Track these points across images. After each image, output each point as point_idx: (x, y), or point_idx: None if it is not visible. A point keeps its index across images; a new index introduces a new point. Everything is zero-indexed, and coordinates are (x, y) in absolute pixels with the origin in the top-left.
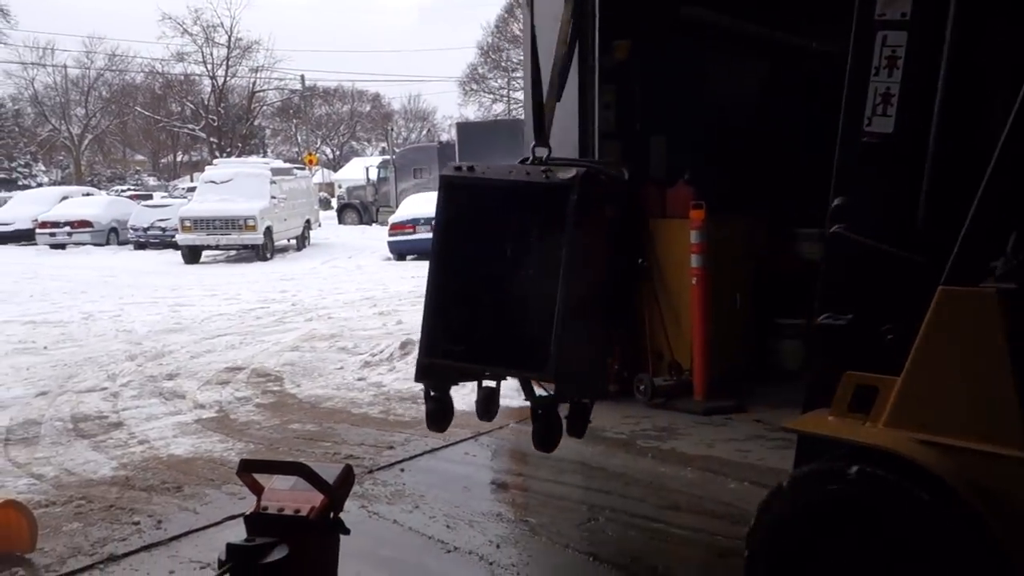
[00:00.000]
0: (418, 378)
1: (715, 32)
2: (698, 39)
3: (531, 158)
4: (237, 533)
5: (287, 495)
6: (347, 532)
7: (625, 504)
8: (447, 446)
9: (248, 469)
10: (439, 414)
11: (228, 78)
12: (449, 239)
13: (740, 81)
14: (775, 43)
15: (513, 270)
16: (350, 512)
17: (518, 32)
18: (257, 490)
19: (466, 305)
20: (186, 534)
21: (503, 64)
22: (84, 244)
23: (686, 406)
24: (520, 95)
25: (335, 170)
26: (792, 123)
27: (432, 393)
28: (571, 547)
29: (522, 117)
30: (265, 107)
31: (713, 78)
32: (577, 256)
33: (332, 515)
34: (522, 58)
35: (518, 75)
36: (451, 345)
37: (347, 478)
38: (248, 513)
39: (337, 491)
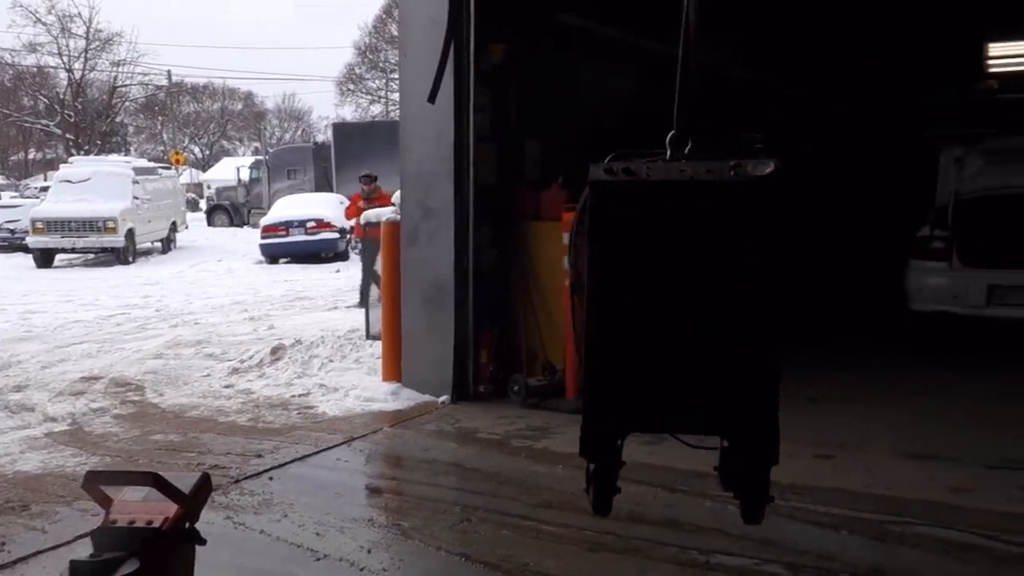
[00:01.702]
0: (584, 453)
1: (588, 38)
2: (572, 44)
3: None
4: (89, 551)
5: (138, 507)
6: (203, 542)
7: (498, 504)
8: (318, 452)
9: (95, 481)
10: (607, 496)
11: (86, 72)
12: (607, 261)
13: (612, 86)
14: (644, 50)
15: (693, 293)
16: (214, 524)
17: (396, 33)
18: (106, 503)
19: (637, 345)
20: (33, 555)
21: (381, 65)
22: None
23: (559, 405)
24: (398, 96)
25: (204, 170)
26: (661, 128)
27: (600, 470)
28: (443, 549)
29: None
30: (128, 103)
31: (586, 82)
32: (778, 268)
33: (188, 525)
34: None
35: (397, 76)
36: (627, 404)
37: (204, 486)
38: (95, 528)
39: (192, 500)
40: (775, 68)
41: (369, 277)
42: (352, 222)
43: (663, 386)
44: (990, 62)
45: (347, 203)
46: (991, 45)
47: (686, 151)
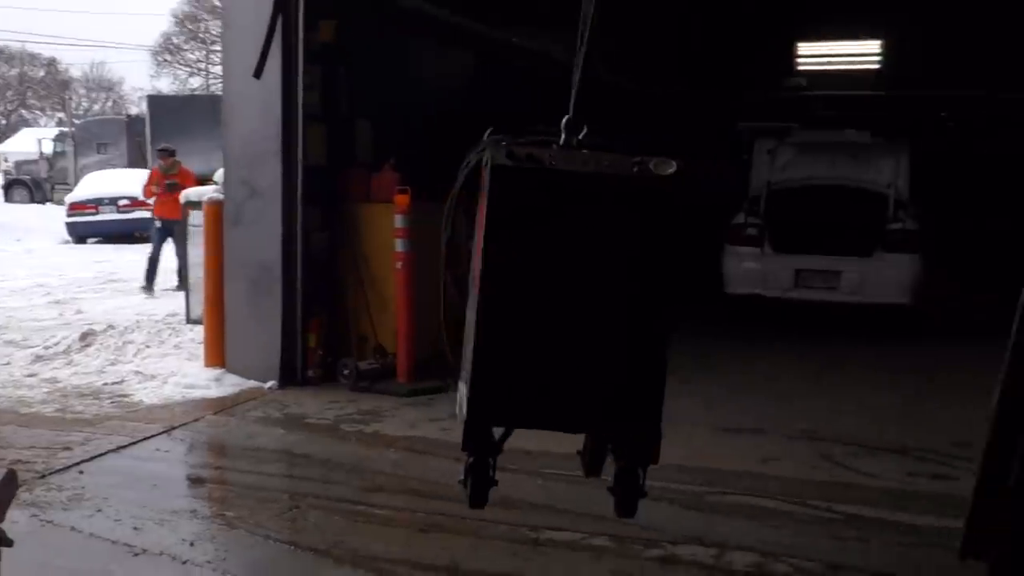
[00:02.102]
0: (466, 446)
1: (422, 20)
2: (405, 26)
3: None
4: None
5: None
6: (9, 544)
7: (328, 490)
8: (135, 443)
9: None
10: (484, 489)
11: None
12: (504, 251)
13: (446, 70)
14: (479, 35)
15: (586, 288)
16: (18, 523)
17: (217, 2)
18: None
19: (524, 340)
20: None
21: (201, 36)
22: None
23: (391, 389)
24: (220, 69)
25: (0, 142)
26: (496, 113)
27: (478, 463)
28: (271, 538)
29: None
30: None
31: (420, 65)
32: (673, 275)
33: None
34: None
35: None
36: (514, 399)
37: (9, 483)
38: None
39: None
40: (606, 59)
41: (186, 258)
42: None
43: (551, 382)
44: (799, 60)
45: None
46: (800, 44)
47: (581, 136)
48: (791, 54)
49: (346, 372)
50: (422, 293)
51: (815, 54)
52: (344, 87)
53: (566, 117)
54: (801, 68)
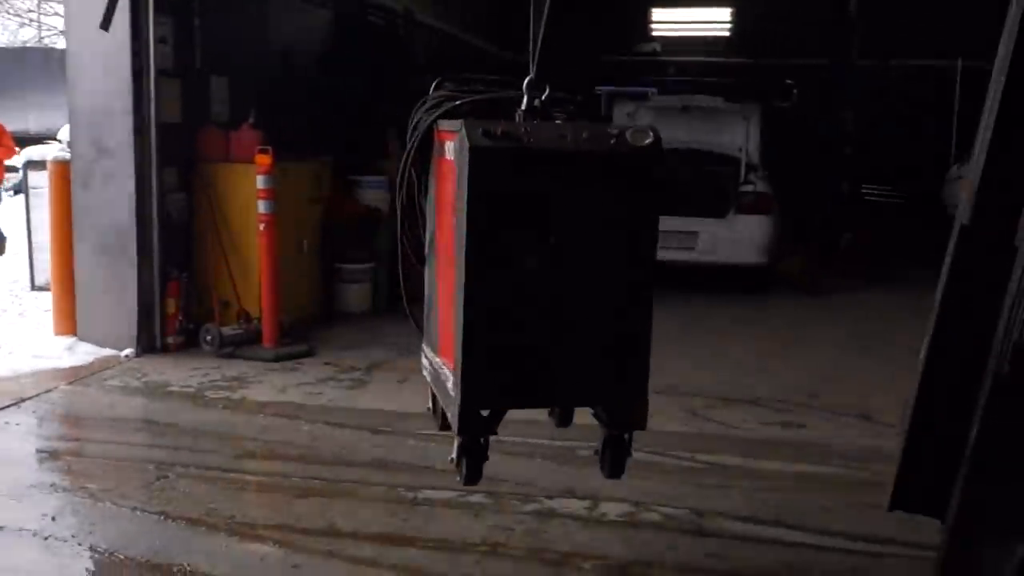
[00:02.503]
0: (462, 430)
1: None
2: None
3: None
4: None
5: None
6: None
7: (197, 458)
8: None
9: None
10: (479, 467)
11: None
12: (484, 234)
13: (306, 25)
14: None
15: (569, 266)
16: None
17: None
18: None
19: (512, 321)
20: None
21: None
22: None
23: (256, 354)
24: (55, 20)
25: None
26: (355, 72)
27: (473, 443)
28: (139, 509)
29: (58, 45)
30: None
31: (277, 21)
32: (655, 244)
33: None
34: None
35: None
36: (501, 380)
37: None
38: None
39: None
40: (474, 24)
41: (29, 222)
42: None
43: (542, 359)
44: (654, 26)
45: None
46: (655, 11)
47: (543, 96)
48: (646, 19)
49: (209, 338)
50: (285, 256)
51: (670, 20)
52: (198, 41)
53: (528, 77)
54: (656, 33)
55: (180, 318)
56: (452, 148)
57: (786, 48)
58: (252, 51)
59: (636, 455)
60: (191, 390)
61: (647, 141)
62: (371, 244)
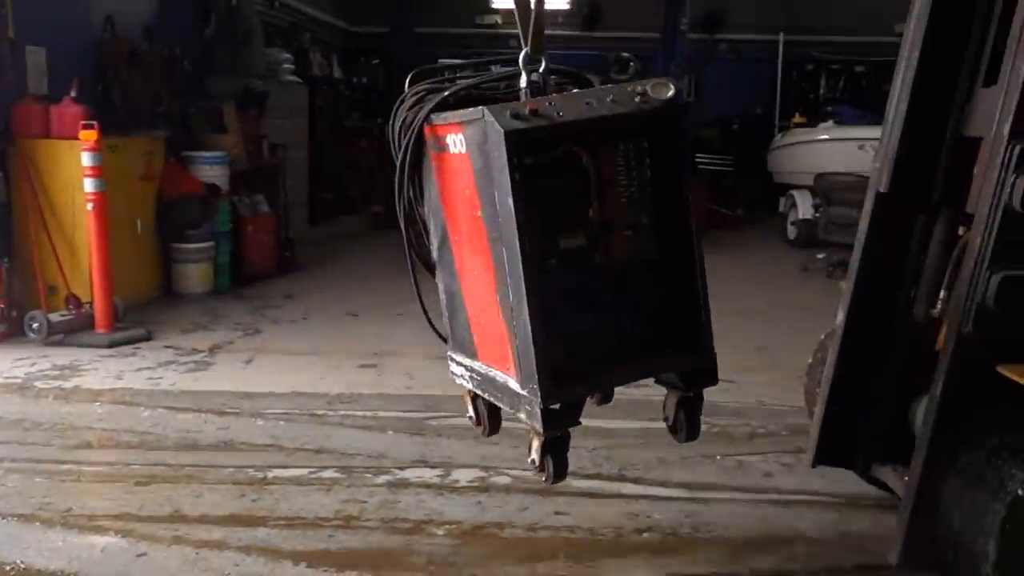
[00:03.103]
0: (548, 427)
1: None
2: None
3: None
4: None
5: None
6: None
7: (27, 452)
8: None
9: None
10: (566, 462)
11: None
12: (533, 221)
13: None
14: None
15: (616, 234)
16: None
17: None
18: None
19: (574, 303)
20: None
21: None
22: None
23: (89, 340)
24: None
25: None
26: (186, 43)
27: (558, 439)
28: None
29: None
30: None
31: None
32: (690, 195)
33: None
34: None
35: None
36: (576, 367)
37: None
38: None
39: None
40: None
41: None
42: None
43: (610, 337)
44: None
45: None
46: None
47: (540, 69)
48: None
49: (35, 326)
50: (117, 236)
51: None
52: (8, 9)
53: (524, 52)
54: (496, 5)
55: (2, 305)
56: (460, 141)
57: (623, 21)
58: (72, 19)
59: None
60: (17, 381)
61: (670, 92)
62: (211, 222)
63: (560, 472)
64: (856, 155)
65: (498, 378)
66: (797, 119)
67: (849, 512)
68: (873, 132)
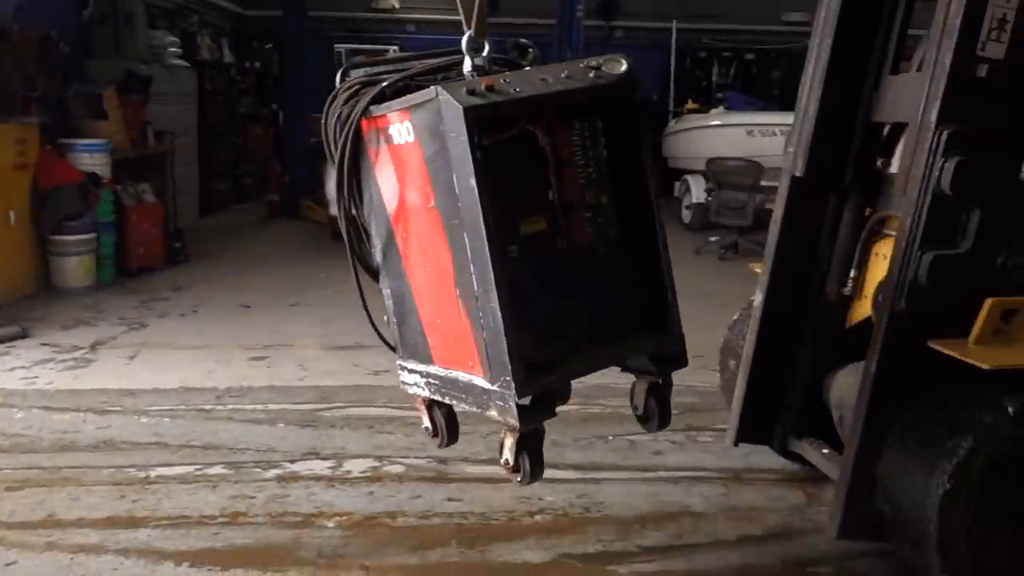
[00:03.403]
0: (525, 421)
1: None
2: None
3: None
4: None
5: None
6: None
7: None
8: None
9: None
10: (541, 459)
11: None
12: (497, 203)
13: None
14: None
15: (578, 215)
16: None
17: None
18: None
19: (543, 289)
20: None
21: None
22: None
23: None
24: None
25: None
26: (66, 25)
27: (532, 435)
28: None
29: None
30: None
31: None
32: (650, 171)
33: None
34: None
35: None
36: (548, 356)
37: None
38: None
39: None
40: None
41: None
42: None
43: (580, 322)
44: None
45: None
46: None
47: (484, 54)
48: None
49: None
50: None
51: None
52: None
53: (467, 35)
54: None
55: None
56: (407, 129)
57: (519, 6)
58: None
59: (380, 411)
60: None
61: (624, 67)
62: (91, 213)
63: (537, 471)
64: (745, 140)
65: (461, 379)
66: (690, 105)
67: (735, 486)
68: (760, 118)
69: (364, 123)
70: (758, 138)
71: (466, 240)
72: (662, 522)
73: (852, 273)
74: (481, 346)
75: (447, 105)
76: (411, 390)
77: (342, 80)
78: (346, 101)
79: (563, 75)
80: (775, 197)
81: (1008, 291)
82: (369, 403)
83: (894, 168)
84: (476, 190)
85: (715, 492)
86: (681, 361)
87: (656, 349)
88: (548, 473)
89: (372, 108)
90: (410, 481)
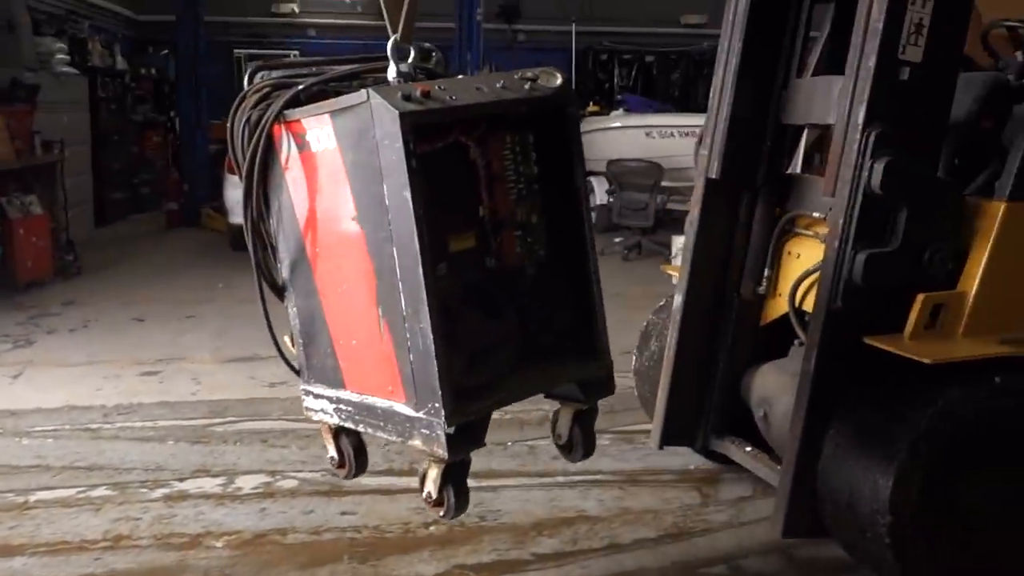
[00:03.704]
0: (453, 451)
1: None
2: None
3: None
4: None
5: None
6: None
7: None
8: None
9: None
10: (467, 490)
11: None
12: (428, 216)
13: None
14: None
15: (509, 232)
16: None
17: None
18: None
19: (474, 309)
20: None
21: None
22: None
23: None
24: None
25: None
26: None
27: (459, 466)
28: None
29: None
30: None
31: None
32: (585, 190)
33: None
34: None
35: None
36: (479, 380)
37: None
38: None
39: None
40: None
41: None
42: None
43: (511, 344)
44: None
45: None
46: None
47: (410, 60)
48: None
49: None
50: None
51: None
52: None
53: (392, 39)
54: None
55: None
56: (328, 135)
57: (420, 10)
58: None
59: (274, 424)
60: None
61: (559, 81)
62: None
63: (462, 503)
64: (644, 142)
65: (379, 405)
66: (592, 108)
67: (631, 489)
68: (658, 119)
69: (276, 128)
70: (657, 139)
71: (395, 256)
72: (558, 528)
73: (766, 272)
74: (406, 370)
75: (381, 109)
76: (317, 417)
77: (250, 82)
78: (256, 104)
79: (498, 85)
80: (676, 197)
81: (933, 286)
82: (264, 416)
83: (796, 168)
84: (410, 202)
85: (611, 495)
86: (609, 388)
87: (585, 375)
88: None
89: (287, 112)
90: (303, 496)
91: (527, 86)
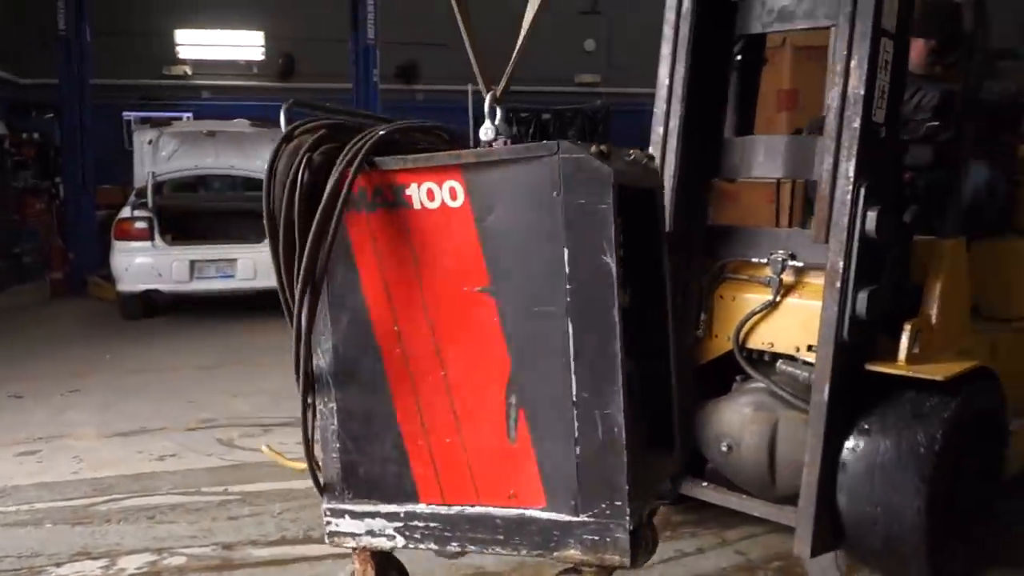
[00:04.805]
0: (639, 556)
1: None
2: None
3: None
4: None
5: None
6: None
7: None
8: None
9: None
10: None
11: None
12: (623, 289)
13: None
14: None
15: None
16: None
17: None
18: None
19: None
20: None
21: None
22: None
23: None
24: None
25: None
26: None
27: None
28: None
29: None
30: None
31: None
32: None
33: None
34: None
35: None
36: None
37: None
38: None
39: None
40: None
41: None
42: None
43: (639, 433)
44: (181, 48)
45: None
46: (179, 32)
47: (497, 121)
48: (172, 41)
49: None
50: None
51: (198, 42)
52: None
53: (489, 95)
54: (185, 56)
55: None
56: (448, 192)
57: (316, 71)
58: None
59: (162, 499)
60: None
61: (656, 163)
62: None
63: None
64: None
65: (495, 515)
66: None
67: None
68: None
69: (361, 178)
70: None
71: (570, 330)
72: None
73: (702, 316)
74: (554, 469)
75: (589, 166)
76: (360, 542)
77: (288, 122)
78: (314, 147)
79: (630, 157)
80: None
81: (910, 314)
82: (152, 492)
83: (711, 220)
84: (613, 269)
85: None
86: (681, 480)
87: (671, 468)
88: (343, 550)
89: (378, 160)
90: (192, 572)
91: (642, 164)
